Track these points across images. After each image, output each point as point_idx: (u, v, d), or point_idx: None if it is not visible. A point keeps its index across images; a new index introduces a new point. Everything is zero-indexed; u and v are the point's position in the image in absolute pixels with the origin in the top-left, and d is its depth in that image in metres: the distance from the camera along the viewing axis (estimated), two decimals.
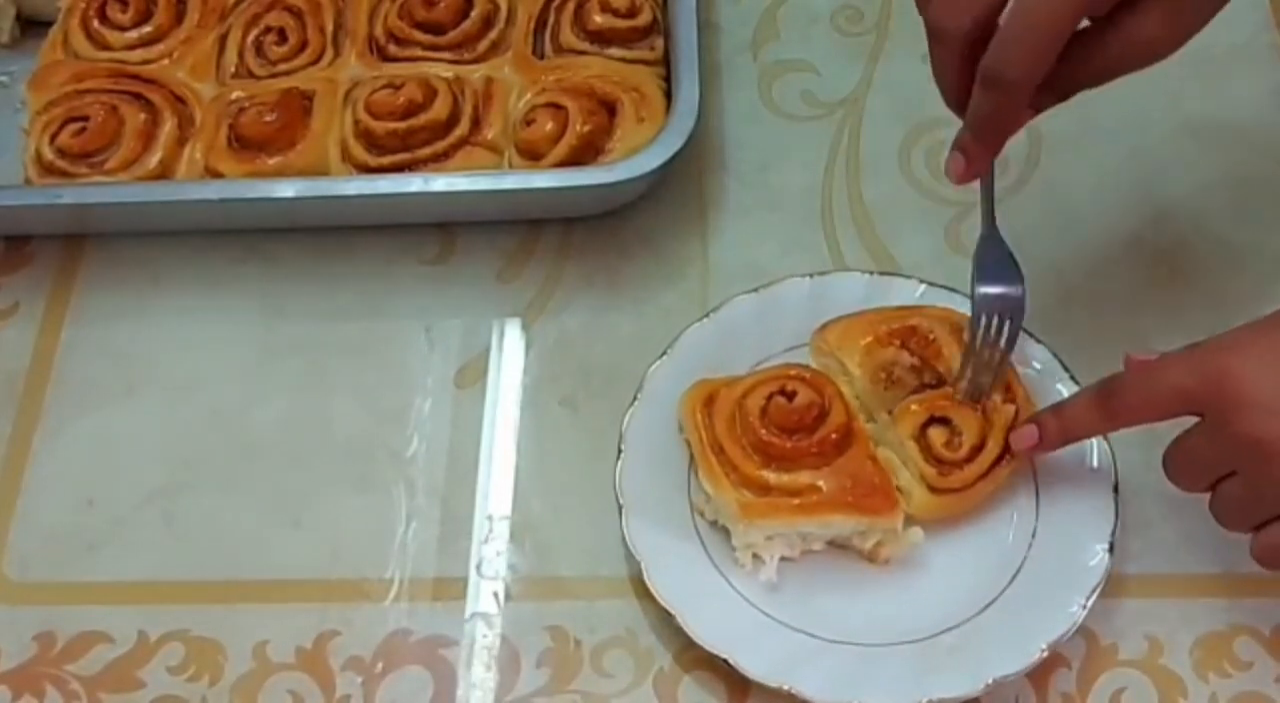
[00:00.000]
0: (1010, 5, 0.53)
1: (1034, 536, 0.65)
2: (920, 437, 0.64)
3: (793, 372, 0.66)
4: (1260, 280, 0.75)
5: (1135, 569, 0.67)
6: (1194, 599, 0.66)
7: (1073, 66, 0.55)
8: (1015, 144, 0.79)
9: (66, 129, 0.76)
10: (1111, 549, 0.64)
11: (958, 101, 0.58)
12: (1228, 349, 0.56)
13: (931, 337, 0.67)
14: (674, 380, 0.68)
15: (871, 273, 0.73)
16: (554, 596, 0.67)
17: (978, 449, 0.64)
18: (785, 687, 0.61)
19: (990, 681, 0.61)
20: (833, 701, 0.61)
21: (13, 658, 0.67)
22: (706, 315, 0.71)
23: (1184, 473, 0.59)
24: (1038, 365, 0.69)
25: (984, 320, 0.64)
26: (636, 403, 0.69)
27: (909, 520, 0.64)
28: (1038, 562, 0.65)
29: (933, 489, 0.64)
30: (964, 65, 0.56)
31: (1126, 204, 0.78)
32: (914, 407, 0.65)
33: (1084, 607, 0.62)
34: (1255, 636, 0.65)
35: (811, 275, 0.72)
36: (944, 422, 0.64)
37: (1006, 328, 0.64)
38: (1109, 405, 0.60)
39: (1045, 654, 0.61)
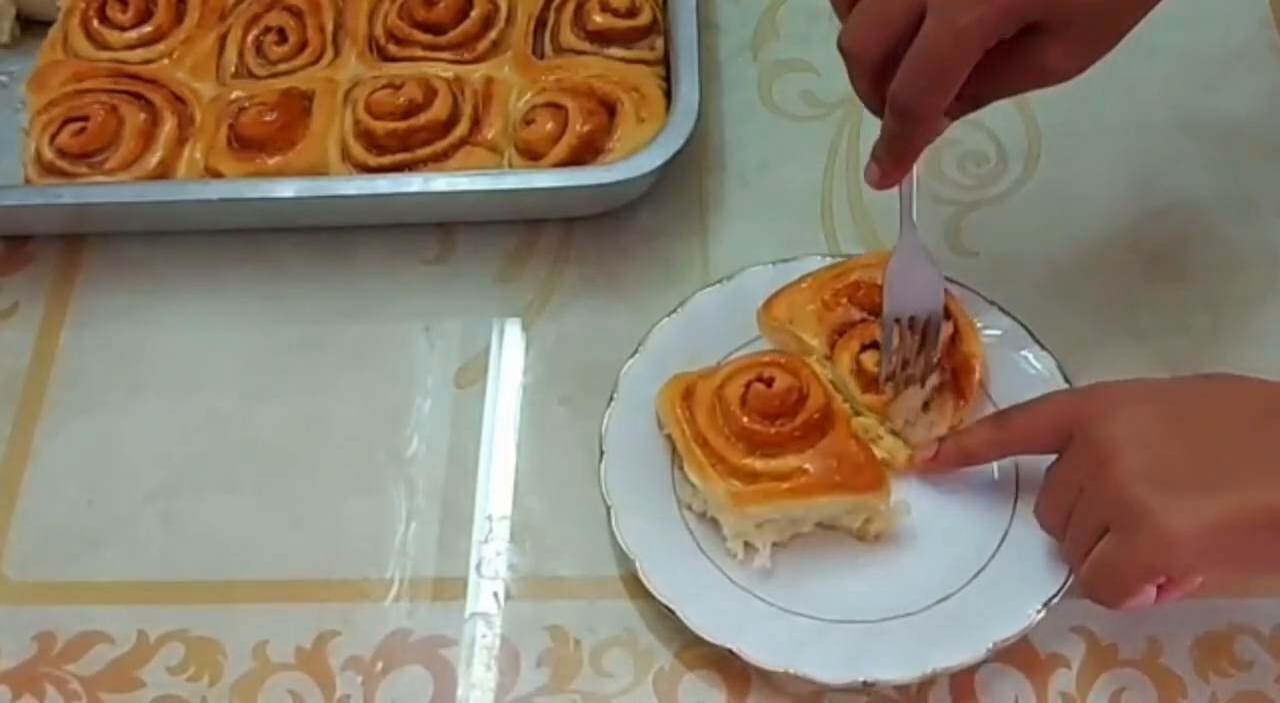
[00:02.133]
0: (916, 40, 0.55)
1: (1017, 500, 0.66)
2: (856, 369, 0.66)
3: (767, 358, 0.66)
4: (1260, 280, 0.75)
5: None
6: (1194, 599, 0.66)
7: (980, 83, 0.57)
8: (1015, 143, 0.81)
9: (66, 129, 0.76)
10: None
11: (877, 113, 0.60)
12: (1108, 384, 0.60)
13: (878, 283, 0.68)
14: (648, 378, 0.69)
15: (830, 255, 0.73)
16: (554, 595, 0.67)
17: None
18: (791, 670, 0.61)
19: (991, 645, 0.61)
20: (840, 680, 0.61)
21: (13, 658, 0.67)
22: (674, 311, 0.72)
23: (1046, 499, 0.61)
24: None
25: (895, 327, 0.65)
26: (614, 403, 0.69)
27: (896, 470, 0.66)
28: (1024, 525, 0.65)
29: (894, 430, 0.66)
30: (877, 85, 0.58)
31: (1126, 203, 0.78)
32: (850, 342, 0.67)
33: None
34: (1255, 636, 0.65)
35: (774, 263, 0.73)
36: (875, 346, 0.67)
37: (924, 327, 0.66)
38: (1001, 426, 0.64)
39: (1042, 615, 0.62)
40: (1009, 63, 0.57)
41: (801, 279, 0.69)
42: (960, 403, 0.67)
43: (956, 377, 0.67)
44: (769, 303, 0.69)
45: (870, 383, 0.66)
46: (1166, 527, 0.54)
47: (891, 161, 0.61)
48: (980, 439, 0.65)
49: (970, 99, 0.59)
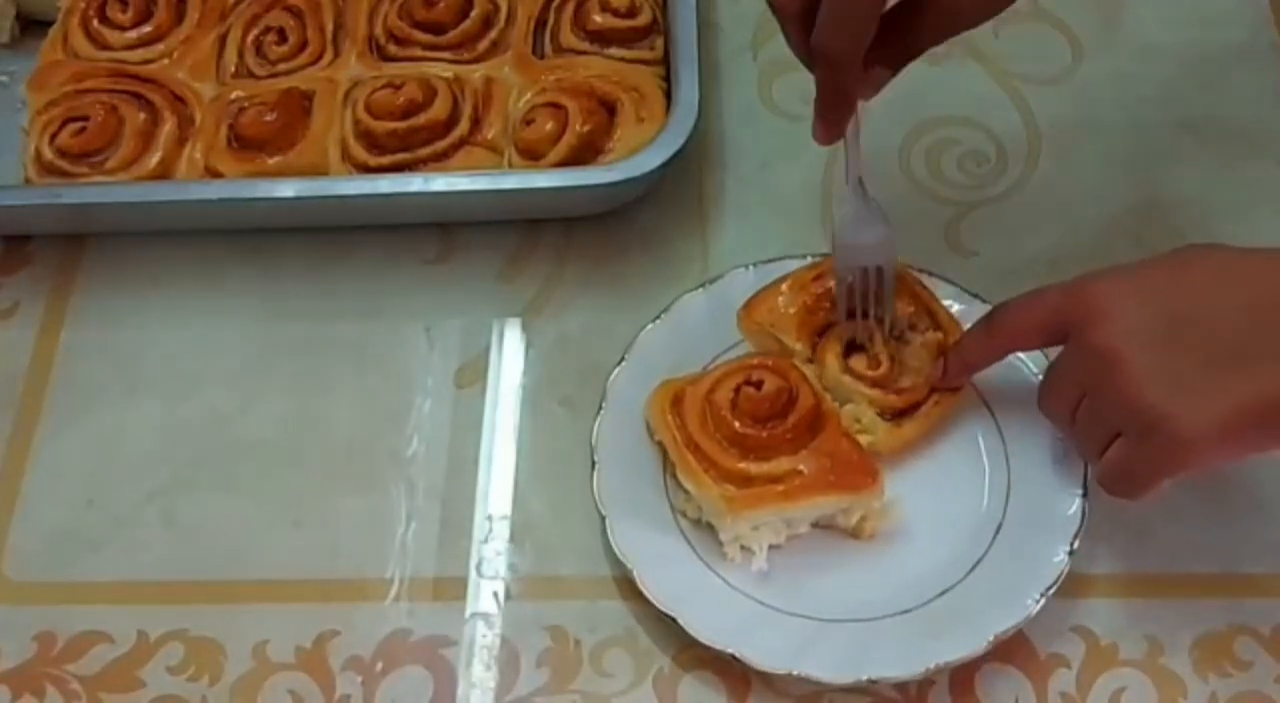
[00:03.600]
0: None
1: (1009, 492, 0.67)
2: (847, 369, 0.67)
3: (755, 361, 0.67)
4: None
5: (1135, 569, 0.67)
6: (1194, 599, 0.66)
7: (902, 34, 0.60)
8: (1015, 143, 0.81)
9: (66, 129, 0.76)
10: (1085, 494, 0.65)
11: (810, 67, 0.61)
12: (1098, 277, 0.60)
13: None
14: (636, 385, 0.69)
15: (811, 256, 0.73)
16: (554, 595, 0.67)
17: (895, 360, 0.67)
18: (794, 672, 0.61)
19: (991, 637, 0.61)
20: (841, 679, 0.61)
21: (13, 658, 0.67)
22: (658, 317, 0.72)
23: (1050, 394, 0.62)
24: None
25: (849, 277, 0.66)
26: (603, 412, 0.69)
27: (880, 453, 0.66)
28: (1017, 517, 0.66)
29: (886, 414, 0.66)
30: (806, 38, 0.59)
31: (1126, 203, 0.78)
32: (830, 342, 0.68)
33: (1069, 553, 0.63)
34: (1255, 636, 0.65)
35: (755, 265, 0.73)
36: (858, 348, 0.68)
37: (876, 275, 0.66)
38: (993, 329, 0.64)
39: (1041, 605, 0.62)
40: (921, 11, 0.59)
41: (780, 281, 0.69)
42: (951, 396, 0.67)
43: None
44: (749, 306, 0.69)
45: (872, 383, 0.67)
46: (1181, 432, 0.55)
47: (828, 112, 0.62)
48: (976, 347, 0.66)
49: (903, 50, 0.61)
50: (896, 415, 0.67)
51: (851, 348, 0.68)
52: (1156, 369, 0.55)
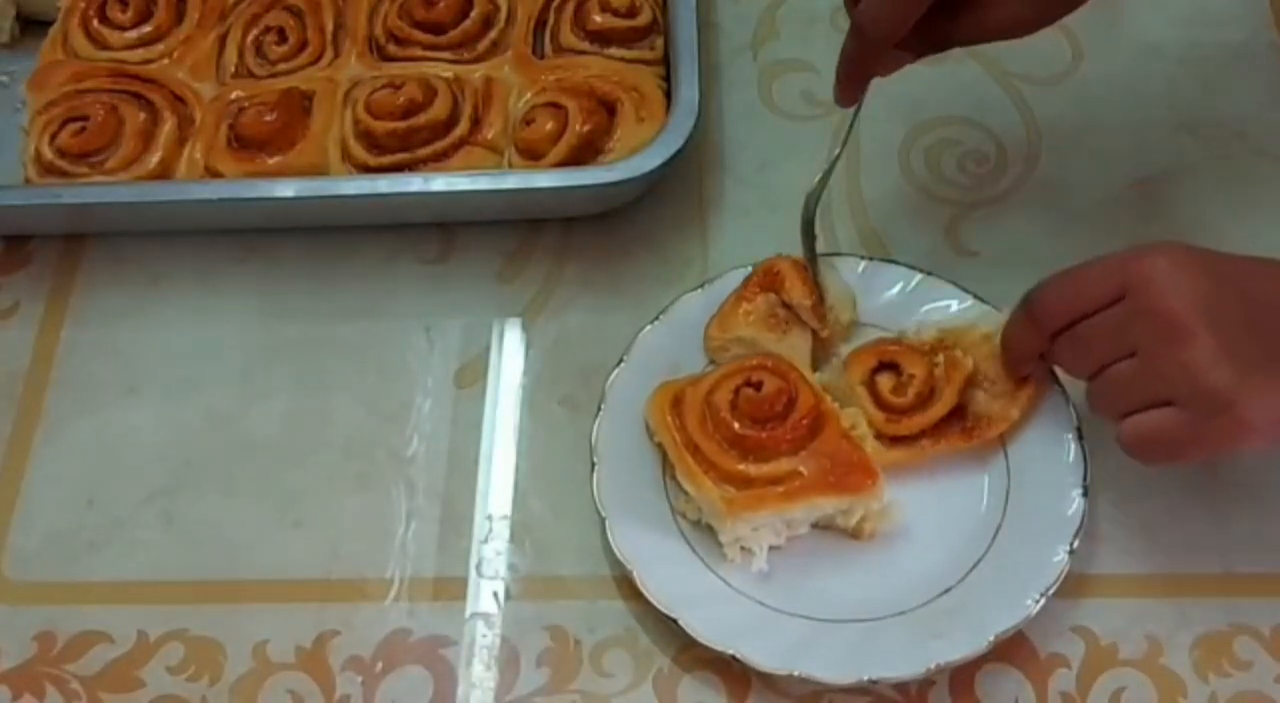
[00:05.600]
0: None
1: (1008, 492, 0.67)
2: (869, 382, 0.67)
3: (754, 362, 0.67)
4: None
5: (1136, 569, 0.67)
6: (1194, 599, 0.66)
7: (943, 26, 0.61)
8: (1015, 143, 0.81)
9: (66, 129, 0.76)
10: (1086, 493, 0.64)
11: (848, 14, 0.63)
12: (1154, 250, 0.58)
13: (775, 271, 0.70)
14: (635, 386, 0.69)
15: (810, 256, 0.73)
16: (554, 595, 0.67)
17: (925, 397, 0.66)
18: (796, 673, 0.61)
19: (992, 637, 0.61)
20: (843, 680, 0.61)
21: (13, 658, 0.67)
22: (657, 317, 0.72)
23: (1081, 347, 0.60)
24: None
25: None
26: (602, 413, 0.69)
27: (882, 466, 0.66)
28: (1017, 516, 0.66)
29: (879, 436, 0.66)
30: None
31: (1126, 203, 0.78)
32: (864, 354, 0.68)
33: (1070, 553, 0.63)
34: (1255, 636, 0.65)
35: (754, 265, 0.72)
36: (892, 367, 0.67)
37: None
38: (1034, 312, 0.62)
39: (1041, 604, 0.62)
40: (966, 12, 0.61)
41: (725, 301, 0.71)
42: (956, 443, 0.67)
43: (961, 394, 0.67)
44: (706, 330, 0.70)
45: (883, 405, 0.67)
46: (1246, 418, 0.55)
47: (844, 78, 0.64)
48: (1020, 337, 0.64)
49: (935, 41, 0.62)
50: (892, 438, 0.67)
51: (883, 366, 0.67)
52: (1228, 352, 0.55)
